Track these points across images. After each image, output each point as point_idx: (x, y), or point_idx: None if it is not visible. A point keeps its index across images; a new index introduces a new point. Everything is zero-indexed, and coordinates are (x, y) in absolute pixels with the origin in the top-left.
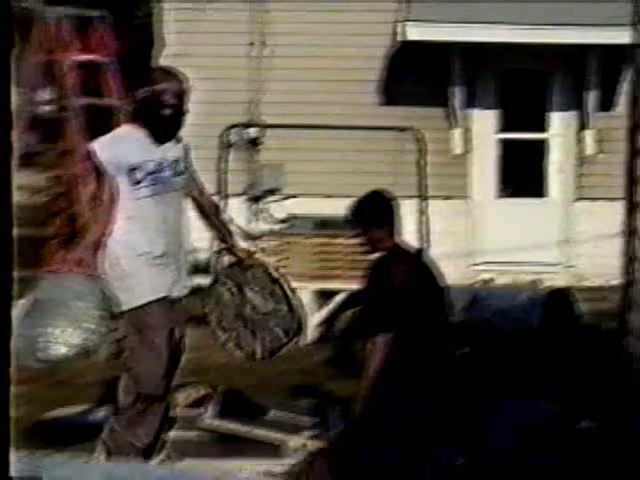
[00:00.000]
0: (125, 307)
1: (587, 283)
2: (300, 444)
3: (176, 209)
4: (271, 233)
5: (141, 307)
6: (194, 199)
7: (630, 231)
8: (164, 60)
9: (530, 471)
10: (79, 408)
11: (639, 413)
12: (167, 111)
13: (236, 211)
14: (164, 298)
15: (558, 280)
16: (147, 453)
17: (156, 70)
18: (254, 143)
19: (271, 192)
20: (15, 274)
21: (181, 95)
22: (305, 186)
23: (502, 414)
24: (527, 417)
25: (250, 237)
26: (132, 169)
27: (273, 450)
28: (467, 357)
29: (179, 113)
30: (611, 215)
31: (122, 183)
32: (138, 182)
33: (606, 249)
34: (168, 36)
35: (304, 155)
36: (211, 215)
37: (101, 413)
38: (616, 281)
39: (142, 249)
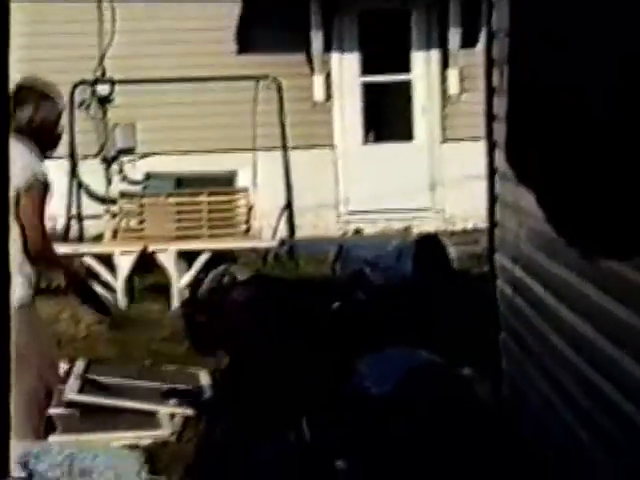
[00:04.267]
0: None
1: (457, 227)
2: (168, 413)
3: None
4: (127, 195)
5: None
6: None
7: (491, 171)
8: None
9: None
10: None
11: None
12: (55, 133)
13: (90, 174)
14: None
15: (428, 226)
16: None
17: (30, 88)
18: (105, 101)
19: (125, 152)
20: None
21: (60, 115)
22: (160, 144)
23: (380, 363)
24: (406, 365)
25: (104, 201)
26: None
27: (147, 420)
28: (339, 310)
29: (60, 132)
30: (477, 156)
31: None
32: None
33: (474, 191)
34: None
35: (157, 111)
36: None
37: None
38: (484, 223)
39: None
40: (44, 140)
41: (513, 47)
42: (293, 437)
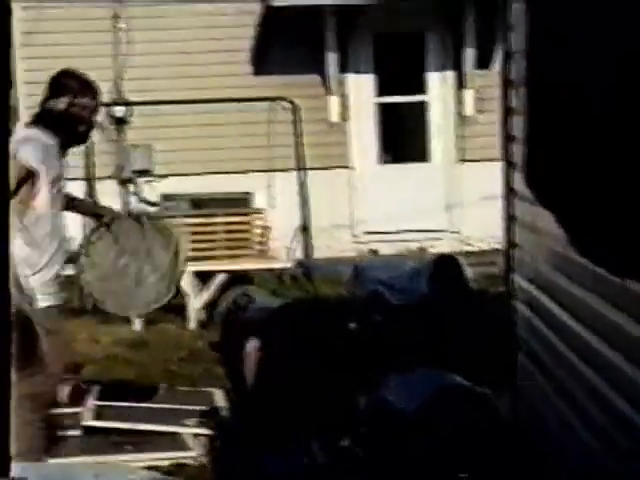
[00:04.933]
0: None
1: (473, 248)
2: (191, 434)
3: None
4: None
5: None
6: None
7: (508, 192)
8: (18, 39)
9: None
10: None
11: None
12: (83, 127)
13: (107, 195)
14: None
15: (444, 246)
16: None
17: (71, 78)
18: (121, 122)
19: (142, 173)
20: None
21: (96, 110)
22: (177, 165)
23: (408, 382)
24: (434, 385)
25: None
26: (54, 180)
27: (170, 442)
28: (355, 331)
29: (91, 128)
30: (493, 177)
31: (41, 191)
32: (56, 192)
33: (490, 212)
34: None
35: (174, 133)
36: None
37: None
38: (500, 244)
39: (45, 262)
40: (73, 133)
41: (531, 68)
42: (306, 458)
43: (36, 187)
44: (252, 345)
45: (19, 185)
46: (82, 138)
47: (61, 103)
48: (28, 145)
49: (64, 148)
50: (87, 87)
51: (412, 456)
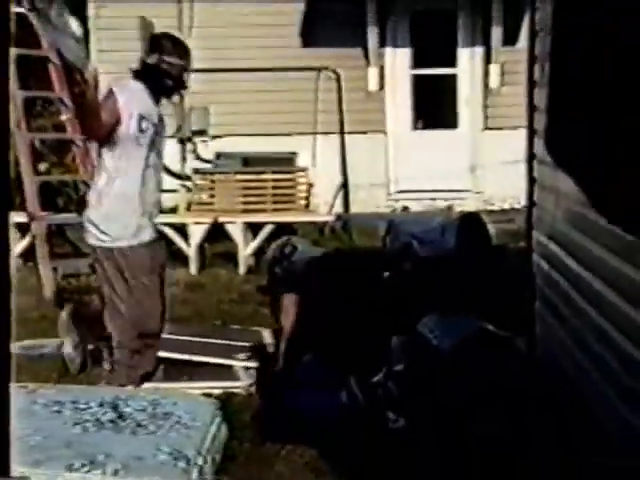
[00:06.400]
0: (109, 245)
1: (495, 207)
2: (241, 367)
3: (160, 159)
4: (200, 172)
5: (128, 249)
6: None
7: (530, 157)
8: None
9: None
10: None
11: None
12: (169, 82)
13: (168, 152)
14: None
15: (468, 205)
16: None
17: (165, 38)
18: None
19: (198, 133)
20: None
21: (185, 70)
22: (230, 126)
23: (444, 326)
24: (468, 329)
25: (180, 177)
26: (141, 117)
27: (225, 373)
28: (390, 280)
29: (179, 86)
30: (515, 143)
31: (129, 127)
32: (143, 130)
33: (510, 175)
34: None
35: (229, 97)
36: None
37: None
38: (519, 204)
39: (134, 195)
40: (161, 87)
41: (555, 45)
42: (345, 396)
43: (122, 129)
44: (290, 299)
45: (112, 127)
46: (169, 92)
47: (152, 58)
48: (124, 91)
49: (155, 98)
50: (176, 47)
51: (441, 394)
